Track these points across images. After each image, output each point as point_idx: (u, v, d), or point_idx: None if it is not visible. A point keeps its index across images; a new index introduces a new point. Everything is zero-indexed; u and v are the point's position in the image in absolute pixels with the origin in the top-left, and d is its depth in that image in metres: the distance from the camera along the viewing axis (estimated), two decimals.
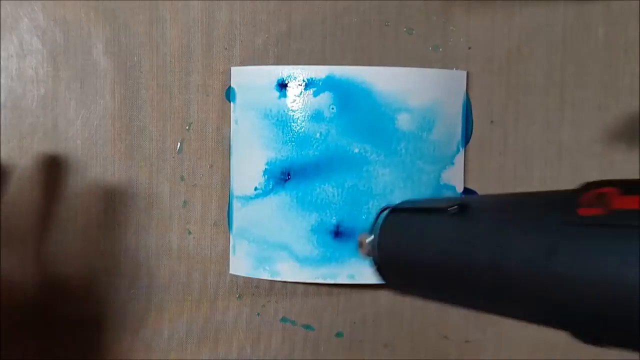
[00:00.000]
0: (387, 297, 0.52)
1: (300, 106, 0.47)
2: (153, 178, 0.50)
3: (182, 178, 0.50)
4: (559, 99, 0.51)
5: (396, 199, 0.48)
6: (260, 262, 0.49)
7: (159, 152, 0.49)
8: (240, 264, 0.50)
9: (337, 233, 0.48)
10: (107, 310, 0.50)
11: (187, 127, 0.49)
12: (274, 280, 0.50)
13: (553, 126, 0.51)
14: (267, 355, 0.51)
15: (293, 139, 0.47)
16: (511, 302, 0.28)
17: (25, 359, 0.49)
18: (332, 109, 0.47)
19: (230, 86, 0.49)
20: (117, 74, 0.49)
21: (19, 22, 0.48)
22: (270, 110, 0.48)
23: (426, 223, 0.34)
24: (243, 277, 0.50)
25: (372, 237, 0.36)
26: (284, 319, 0.51)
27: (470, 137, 0.51)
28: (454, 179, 0.50)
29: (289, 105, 0.47)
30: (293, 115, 0.47)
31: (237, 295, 0.51)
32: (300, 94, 0.47)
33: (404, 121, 0.48)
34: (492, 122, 0.51)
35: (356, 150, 0.47)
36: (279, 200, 0.48)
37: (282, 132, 0.48)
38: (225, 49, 0.49)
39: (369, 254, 0.37)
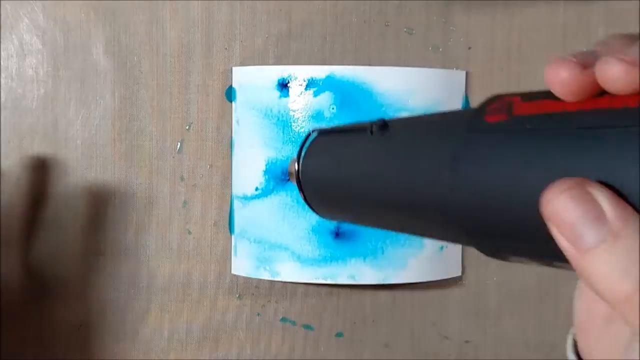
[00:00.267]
0: (387, 297, 0.52)
1: (300, 106, 0.47)
2: (153, 178, 0.50)
3: (182, 178, 0.50)
4: None
5: None
6: (261, 263, 0.49)
7: (159, 152, 0.49)
8: (242, 264, 0.50)
9: (338, 234, 0.48)
10: (107, 311, 0.50)
11: (187, 127, 0.49)
12: (274, 281, 0.50)
13: None
14: (267, 355, 0.51)
15: (293, 138, 0.47)
16: (419, 218, 0.28)
17: (25, 359, 0.49)
18: (333, 108, 0.47)
19: (230, 86, 0.49)
20: (117, 74, 0.49)
21: (19, 22, 0.48)
22: (271, 110, 0.48)
23: (348, 142, 0.33)
24: (243, 277, 0.50)
25: (298, 162, 0.36)
26: (284, 319, 0.51)
27: None
28: None
29: (290, 105, 0.47)
30: (293, 115, 0.47)
31: (237, 296, 0.51)
32: (301, 93, 0.47)
33: None
34: None
35: None
36: (280, 201, 0.48)
37: (283, 131, 0.48)
38: (225, 49, 0.49)
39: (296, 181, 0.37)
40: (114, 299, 0.50)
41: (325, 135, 0.36)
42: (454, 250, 0.51)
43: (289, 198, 0.48)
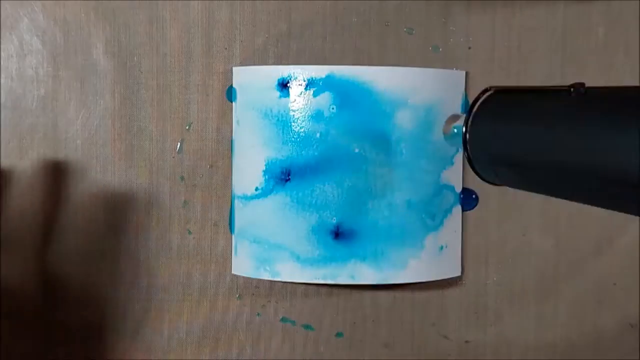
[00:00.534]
0: (387, 297, 0.52)
1: (300, 106, 0.47)
2: (153, 178, 0.50)
3: (182, 178, 0.50)
4: None
5: (396, 199, 0.48)
6: (261, 263, 0.49)
7: (159, 152, 0.49)
8: (242, 265, 0.50)
9: (338, 234, 0.48)
10: (107, 311, 0.50)
11: (187, 127, 0.49)
12: (274, 281, 0.50)
13: None
14: (267, 356, 0.51)
15: (293, 138, 0.47)
16: (609, 185, 0.26)
17: (25, 359, 0.49)
18: (332, 108, 0.47)
19: (231, 86, 0.49)
20: (117, 74, 0.49)
21: (19, 22, 0.48)
22: (271, 110, 0.48)
23: (539, 102, 0.31)
24: (243, 277, 0.50)
25: (467, 121, 0.33)
26: (284, 319, 0.51)
27: None
28: (454, 178, 0.50)
29: (290, 105, 0.47)
30: (293, 115, 0.47)
31: (237, 296, 0.51)
32: (301, 93, 0.47)
33: (404, 121, 0.48)
34: None
35: (356, 150, 0.47)
36: (279, 201, 0.48)
37: (283, 131, 0.48)
38: (225, 49, 0.49)
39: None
40: (114, 299, 0.50)
41: (506, 93, 0.34)
42: (454, 250, 0.51)
43: (289, 198, 0.48)
